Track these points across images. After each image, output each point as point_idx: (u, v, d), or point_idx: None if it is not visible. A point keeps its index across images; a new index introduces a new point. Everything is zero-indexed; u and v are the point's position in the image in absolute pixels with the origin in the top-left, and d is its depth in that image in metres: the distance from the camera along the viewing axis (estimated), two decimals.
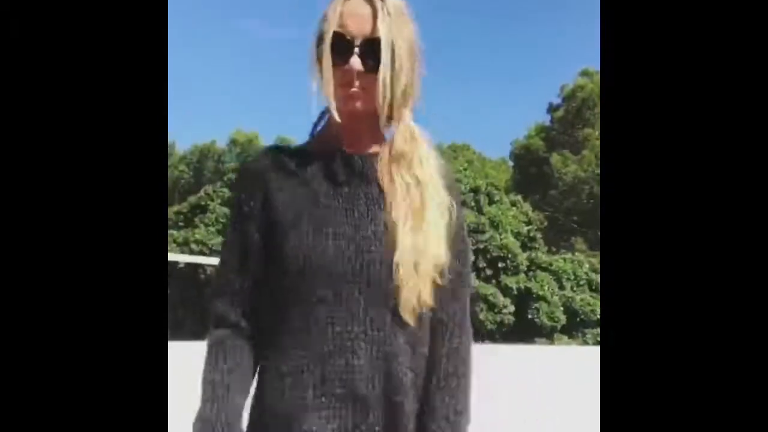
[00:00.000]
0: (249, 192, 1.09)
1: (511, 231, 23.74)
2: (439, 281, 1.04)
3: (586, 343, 22.70)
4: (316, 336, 1.02)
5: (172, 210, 25.31)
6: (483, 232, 22.73)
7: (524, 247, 24.17)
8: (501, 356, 15.05)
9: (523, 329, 22.95)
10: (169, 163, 39.63)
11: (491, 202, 25.11)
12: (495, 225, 23.35)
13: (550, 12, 69.43)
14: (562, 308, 23.39)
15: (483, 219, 23.28)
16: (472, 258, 1.15)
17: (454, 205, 1.08)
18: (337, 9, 1.04)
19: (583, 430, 5.58)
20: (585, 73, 35.57)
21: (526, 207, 26.63)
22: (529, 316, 22.89)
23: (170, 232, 23.15)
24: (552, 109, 37.63)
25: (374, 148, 1.09)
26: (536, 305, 22.98)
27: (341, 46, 1.03)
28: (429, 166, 1.07)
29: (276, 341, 1.05)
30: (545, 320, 22.88)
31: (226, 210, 22.66)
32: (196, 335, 21.97)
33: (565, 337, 23.41)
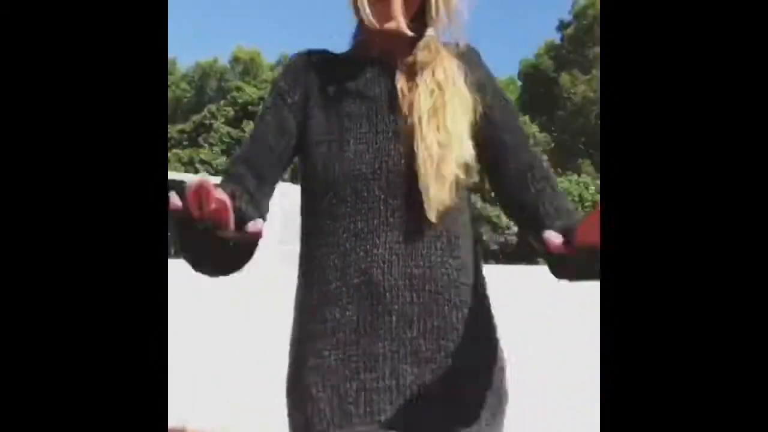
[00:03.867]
0: (292, 84, 1.13)
1: None
2: (463, 179, 1.03)
3: None
4: (339, 234, 1.05)
5: (174, 128, 25.09)
6: None
7: None
8: (504, 276, 15.26)
9: (526, 250, 23.15)
10: (170, 81, 39.04)
11: None
12: None
13: None
14: None
15: None
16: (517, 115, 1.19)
17: (480, 102, 1.09)
18: None
19: (582, 347, 5.70)
20: None
21: (534, 128, 26.29)
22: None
23: (174, 151, 23.06)
24: (563, 26, 36.52)
25: (400, 55, 1.11)
26: None
27: None
28: (450, 72, 1.09)
29: (307, 244, 1.10)
30: None
31: (230, 129, 22.47)
32: None
33: None
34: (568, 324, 8.11)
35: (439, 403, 1.04)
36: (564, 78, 33.45)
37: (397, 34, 1.08)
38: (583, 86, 32.77)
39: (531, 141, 1.11)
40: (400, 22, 1.06)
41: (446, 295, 1.06)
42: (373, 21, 1.07)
